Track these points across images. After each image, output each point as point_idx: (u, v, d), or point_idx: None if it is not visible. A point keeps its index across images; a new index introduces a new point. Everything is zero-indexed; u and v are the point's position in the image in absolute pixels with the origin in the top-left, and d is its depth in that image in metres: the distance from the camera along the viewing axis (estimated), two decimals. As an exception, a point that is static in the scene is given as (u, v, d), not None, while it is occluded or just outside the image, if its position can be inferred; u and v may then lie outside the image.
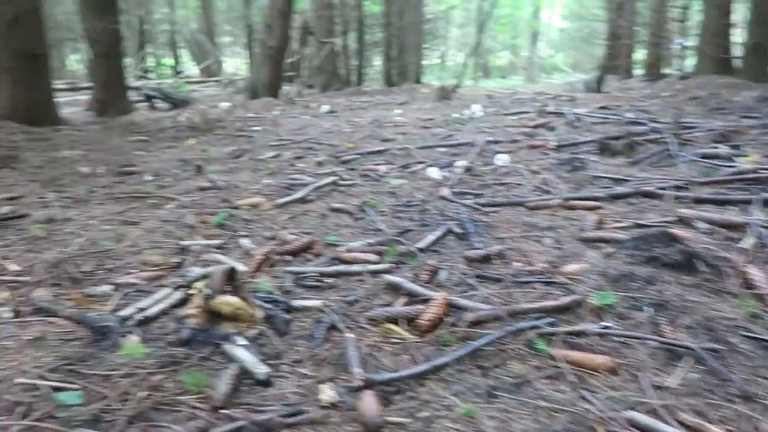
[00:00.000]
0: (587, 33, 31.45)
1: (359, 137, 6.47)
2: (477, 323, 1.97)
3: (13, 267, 2.45)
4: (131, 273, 2.50)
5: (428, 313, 2.01)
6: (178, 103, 11.47)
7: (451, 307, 2.09)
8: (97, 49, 8.06)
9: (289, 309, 2.12)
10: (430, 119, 8.02)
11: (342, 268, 2.53)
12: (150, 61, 28.71)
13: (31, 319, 2.00)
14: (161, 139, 6.78)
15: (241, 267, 2.58)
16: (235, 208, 3.57)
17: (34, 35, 6.27)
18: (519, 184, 3.96)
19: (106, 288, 2.29)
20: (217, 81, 22.35)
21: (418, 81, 22.24)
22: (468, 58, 22.13)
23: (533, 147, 5.28)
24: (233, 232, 3.09)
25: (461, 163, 4.37)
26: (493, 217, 3.26)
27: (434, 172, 4.12)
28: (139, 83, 12.43)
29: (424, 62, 26.20)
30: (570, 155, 4.72)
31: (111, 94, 8.33)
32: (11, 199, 3.88)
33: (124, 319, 1.98)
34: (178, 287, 2.28)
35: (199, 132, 7.27)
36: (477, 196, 3.74)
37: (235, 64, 32.43)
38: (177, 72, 28.58)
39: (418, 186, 4.01)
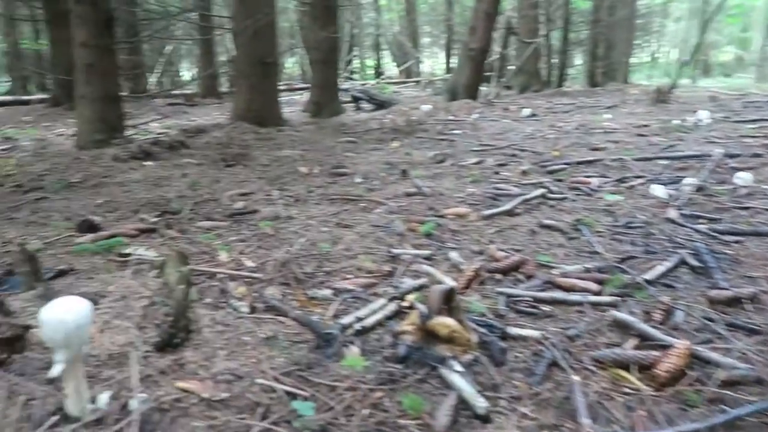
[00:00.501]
0: None
1: (565, 144, 6.12)
2: (731, 384, 1.68)
3: (249, 263, 2.69)
4: (347, 278, 2.60)
5: (667, 363, 1.75)
6: (381, 104, 12.04)
7: (694, 359, 1.81)
8: (315, 56, 8.75)
9: (505, 336, 2.02)
10: (646, 126, 7.31)
11: (558, 295, 2.36)
12: (355, 63, 30.69)
13: (264, 317, 2.16)
14: (367, 140, 7.12)
15: (451, 283, 2.54)
16: (441, 216, 3.56)
17: (268, 45, 6.99)
18: (765, 210, 3.37)
19: (326, 292, 2.40)
20: (416, 82, 23.10)
21: (625, 81, 20.64)
22: (688, 55, 19.87)
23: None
24: (441, 243, 3.07)
25: (690, 180, 3.87)
26: (736, 249, 2.80)
27: (659, 190, 3.70)
28: (346, 85, 13.28)
29: (632, 61, 24.23)
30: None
31: (325, 97, 8.99)
32: (244, 194, 4.33)
33: (345, 327, 2.04)
34: (392, 298, 2.31)
35: (402, 134, 7.50)
36: (713, 221, 3.26)
37: (432, 64, 33.23)
38: (379, 73, 30.18)
39: (638, 204, 3.63)
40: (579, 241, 3.04)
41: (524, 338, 2.00)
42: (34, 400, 1.50)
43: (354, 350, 1.89)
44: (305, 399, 1.60)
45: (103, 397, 1.51)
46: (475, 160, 5.36)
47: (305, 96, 16.86)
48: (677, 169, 4.58)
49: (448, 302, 1.97)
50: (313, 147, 6.50)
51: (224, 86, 17.90)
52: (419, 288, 2.48)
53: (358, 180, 4.77)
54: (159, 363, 1.71)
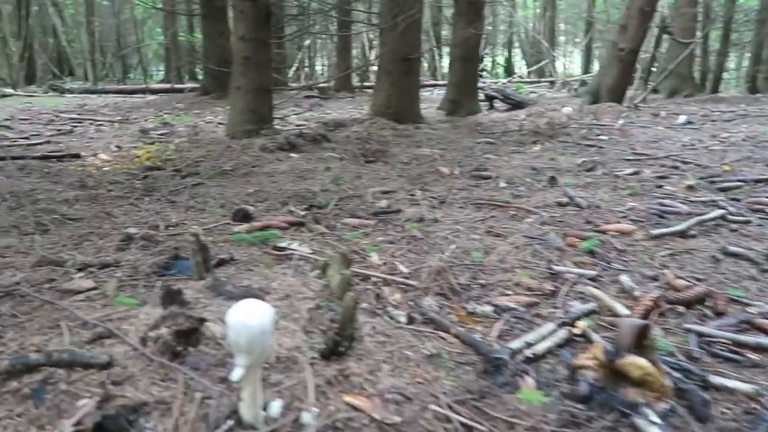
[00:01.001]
0: None
1: (735, 158, 5.45)
2: None
3: (403, 268, 2.59)
4: (506, 294, 2.41)
5: None
6: (517, 104, 11.64)
7: None
8: (456, 53, 8.58)
9: (706, 385, 1.73)
10: (836, 141, 6.37)
11: (765, 340, 2.01)
12: (486, 61, 30.17)
13: (423, 330, 2.03)
14: (506, 142, 6.84)
15: (623, 310, 2.27)
16: (602, 232, 3.25)
17: (412, 42, 6.93)
18: None
19: (487, 308, 2.23)
20: (550, 82, 22.20)
21: (792, 88, 18.43)
22: None
23: None
24: (606, 264, 2.78)
25: None
26: None
27: None
28: (480, 84, 12.98)
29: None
30: None
31: (463, 95, 8.81)
32: (386, 192, 4.27)
33: (514, 352, 1.86)
34: (561, 324, 2.09)
35: (543, 138, 7.13)
36: None
37: (566, 64, 31.78)
38: (509, 72, 29.43)
39: None
40: (776, 276, 2.62)
41: (731, 390, 1.70)
42: (210, 399, 1.48)
43: (529, 382, 1.70)
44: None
45: (276, 406, 1.45)
46: (630, 170, 4.92)
47: (435, 93, 16.78)
48: None
49: (641, 340, 1.72)
50: (452, 146, 6.35)
51: (357, 81, 18.29)
52: (589, 314, 2.24)
53: (503, 185, 4.55)
54: (325, 372, 1.63)
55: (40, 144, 6.70)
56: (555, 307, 2.33)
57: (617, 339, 1.73)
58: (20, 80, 20.80)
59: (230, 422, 1.38)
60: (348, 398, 1.55)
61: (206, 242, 2.07)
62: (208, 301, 1.91)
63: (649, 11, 10.60)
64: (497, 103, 12.05)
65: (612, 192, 4.23)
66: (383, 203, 3.91)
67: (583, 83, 18.87)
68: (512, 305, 2.27)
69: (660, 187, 4.37)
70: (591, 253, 2.91)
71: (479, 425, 1.48)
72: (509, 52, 34.39)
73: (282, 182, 4.45)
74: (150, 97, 16.01)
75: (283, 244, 2.80)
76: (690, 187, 4.31)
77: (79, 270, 2.47)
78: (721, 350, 1.96)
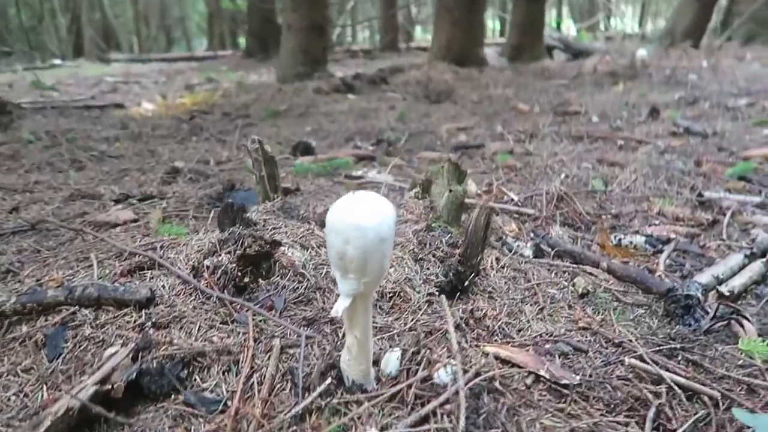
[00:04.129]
0: None
1: None
2: None
3: (514, 196, 2.06)
4: (654, 224, 1.85)
5: None
6: (579, 53, 10.76)
7: None
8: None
9: None
10: None
11: None
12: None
13: (559, 264, 1.51)
14: (582, 84, 6.12)
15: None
16: (744, 159, 2.63)
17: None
18: None
19: (638, 239, 1.68)
20: (607, 38, 20.84)
21: None
22: None
23: None
24: (764, 187, 2.18)
25: None
26: None
27: None
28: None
29: None
30: None
31: (527, 39, 8.07)
32: (461, 128, 3.72)
33: (706, 289, 1.32)
34: (749, 255, 1.53)
35: (624, 78, 6.38)
36: None
37: (619, 21, 29.98)
38: (559, 27, 27.97)
39: None
40: None
41: None
42: (294, 348, 1.00)
43: (749, 328, 1.16)
44: (738, 404, 0.91)
45: (393, 359, 0.96)
46: (744, 101, 4.20)
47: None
48: None
49: None
50: (523, 88, 5.70)
51: (402, 43, 17.52)
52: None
53: (595, 119, 3.92)
54: (452, 313, 1.13)
55: (84, 99, 6.39)
56: (722, 239, 1.76)
57: None
58: (69, 52, 20.90)
59: (327, 381, 0.90)
60: (490, 348, 1.05)
61: (272, 155, 1.59)
62: (280, 222, 1.43)
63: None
64: (557, 54, 11.19)
65: (732, 122, 3.56)
66: (461, 138, 3.37)
67: (644, 37, 17.59)
68: (669, 235, 1.72)
69: (790, 115, 3.66)
70: (743, 178, 2.30)
71: (709, 388, 0.95)
72: (559, 9, 32.68)
73: (342, 121, 3.95)
74: (194, 64, 15.75)
75: (358, 173, 2.30)
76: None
77: (117, 202, 2.04)
78: None
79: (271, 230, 1.35)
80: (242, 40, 19.69)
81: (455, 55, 6.35)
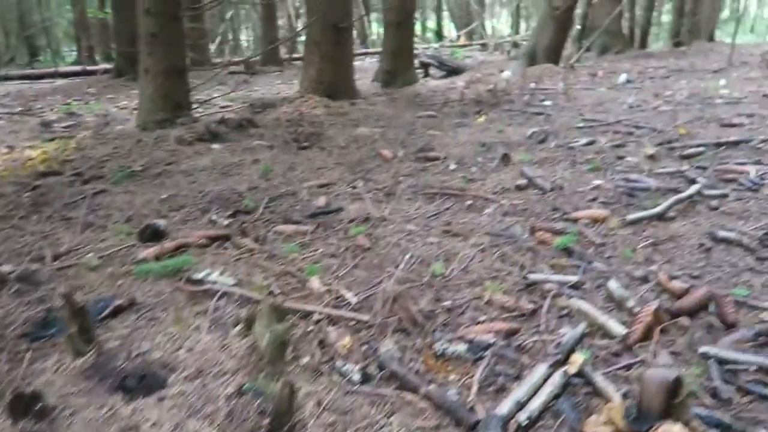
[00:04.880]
0: None
1: (686, 119, 5.21)
2: None
3: (349, 295, 2.10)
4: (479, 322, 1.97)
5: None
6: (453, 70, 11.22)
7: None
8: (390, 18, 7.99)
9: (752, 446, 1.35)
10: (775, 94, 6.27)
11: (797, 362, 1.66)
12: (416, 26, 29.54)
13: (384, 393, 1.57)
14: (449, 114, 6.39)
15: (619, 329, 1.88)
16: (573, 221, 2.87)
17: (342, 8, 6.31)
18: None
19: (459, 347, 1.78)
20: (482, 44, 21.86)
21: (711, 39, 18.87)
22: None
23: None
24: (586, 263, 2.39)
25: None
26: None
27: None
28: (414, 51, 12.45)
29: (718, 17, 22.11)
30: None
31: (399, 64, 8.27)
32: (323, 185, 3.75)
33: (506, 419, 1.43)
34: (554, 363, 1.67)
35: (487, 106, 6.73)
36: None
37: (494, 24, 31.58)
38: (440, 36, 28.96)
39: (832, 207, 2.81)
40: (775, 265, 2.30)
41: (784, 452, 1.33)
42: None
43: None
44: None
45: None
46: (584, 140, 4.57)
47: (366, 62, 16.11)
48: None
49: (672, 398, 1.32)
50: (392, 123, 5.84)
51: (285, 53, 17.34)
52: (582, 338, 1.84)
53: (453, 166, 4.10)
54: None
55: None
56: (539, 332, 1.91)
57: (642, 399, 1.32)
58: None
59: None
60: None
61: (83, 304, 1.51)
62: (82, 400, 1.36)
63: (582, -33, 10.29)
64: (433, 71, 11.58)
65: (572, 168, 3.86)
66: (321, 201, 3.39)
67: (515, 44, 18.66)
68: (489, 338, 1.84)
69: (621, 158, 4.03)
70: (567, 250, 2.51)
71: None
72: (438, 15, 33.84)
73: (202, 181, 3.85)
74: (59, 82, 14.61)
75: (200, 275, 2.25)
76: (651, 156, 4.00)
77: None
78: (751, 383, 1.59)
79: (67, 416, 1.29)
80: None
81: (326, 87, 6.38)
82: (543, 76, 9.48)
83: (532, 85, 8.64)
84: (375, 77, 8.64)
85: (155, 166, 4.20)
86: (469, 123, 5.85)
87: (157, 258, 2.49)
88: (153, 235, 2.77)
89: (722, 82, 7.25)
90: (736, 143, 4.15)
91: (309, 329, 1.89)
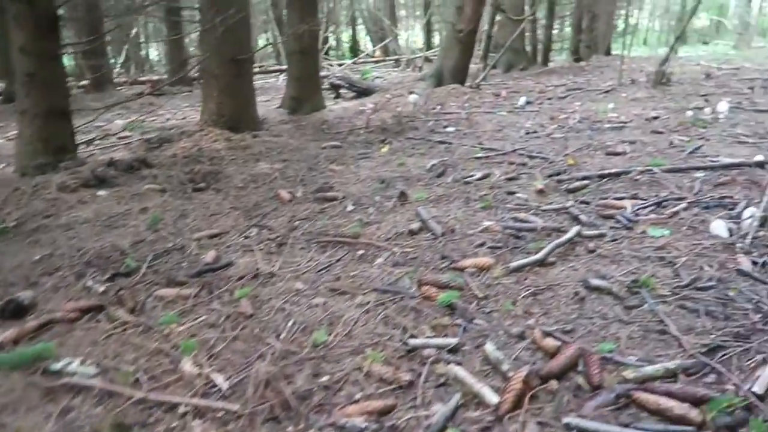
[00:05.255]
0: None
1: (576, 147, 5.47)
2: None
3: (221, 381, 2.01)
4: (355, 401, 1.94)
5: None
6: (363, 91, 11.29)
7: None
8: (293, 46, 7.92)
9: None
10: (656, 118, 6.71)
11: (650, 426, 1.73)
12: (331, 40, 29.64)
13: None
14: (354, 144, 6.39)
15: (493, 397, 1.91)
16: (460, 270, 2.91)
17: (240, 40, 6.18)
18: None
19: (330, 436, 1.74)
20: (395, 60, 22.17)
21: (607, 53, 20.13)
22: (673, 25, 19.39)
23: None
24: (467, 321, 2.42)
25: (750, 210, 3.25)
26: None
27: (719, 227, 3.08)
28: (325, 72, 12.44)
29: (614, 32, 23.64)
30: None
31: (305, 91, 8.20)
32: (214, 236, 3.62)
33: None
34: (422, 448, 1.66)
35: (391, 134, 6.79)
36: (796, 272, 2.66)
37: (409, 38, 32.17)
38: (355, 51, 29.17)
39: (695, 246, 3.00)
40: (641, 313, 2.41)
41: None
42: None
43: None
44: None
45: None
46: (480, 174, 4.68)
47: (281, 80, 15.93)
48: (719, 185, 3.97)
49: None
50: (295, 156, 5.77)
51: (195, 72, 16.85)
52: (454, 413, 1.85)
53: (350, 207, 4.08)
54: None
55: None
56: (415, 407, 1.90)
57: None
58: None
59: None
60: None
61: None
62: None
63: (482, -8, 10.66)
64: (344, 91, 11.61)
65: (465, 207, 3.94)
66: (210, 255, 3.27)
67: (427, 59, 19.05)
68: (361, 423, 1.80)
69: (512, 194, 4.16)
70: (450, 307, 2.53)
71: None
72: (353, 30, 34.08)
73: (83, 236, 3.62)
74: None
75: (59, 365, 2.09)
76: (540, 191, 4.15)
77: None
78: (607, 455, 1.65)
79: None
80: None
81: (227, 120, 6.22)
82: (449, 98, 9.71)
83: (438, 107, 8.83)
84: (282, 103, 8.53)
85: (32, 220, 3.91)
86: (372, 154, 5.88)
87: (16, 342, 2.30)
88: (15, 311, 2.56)
89: (611, 105, 7.68)
90: (617, 174, 4.38)
91: (173, 425, 1.79)
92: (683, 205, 3.61)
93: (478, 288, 2.69)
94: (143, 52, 24.63)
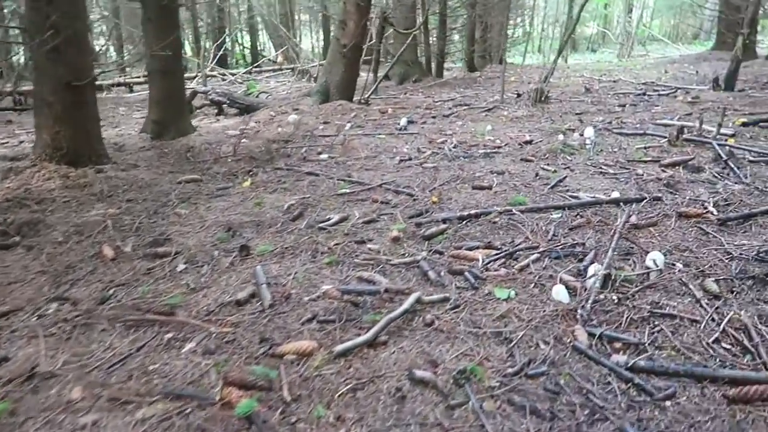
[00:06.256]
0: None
1: (445, 179, 5.26)
2: None
3: None
4: None
5: None
6: (246, 108, 10.74)
7: None
8: (153, 65, 7.26)
9: None
10: (530, 142, 6.67)
11: None
12: (229, 45, 28.59)
13: None
14: (215, 177, 5.87)
15: None
16: (279, 357, 2.52)
17: (78, 63, 5.47)
18: (694, 322, 2.65)
19: None
20: (291, 69, 21.58)
21: (501, 62, 20.64)
22: (563, 33, 20.18)
23: (685, 217, 3.89)
24: (264, 439, 2.03)
25: (594, 267, 3.09)
26: (672, 414, 2.02)
27: (560, 292, 2.88)
28: (205, 88, 11.74)
29: (508, 41, 24.35)
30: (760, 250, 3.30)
31: (168, 114, 7.54)
32: (4, 315, 3.03)
33: None
34: None
35: (260, 163, 6.33)
36: (631, 347, 2.48)
37: (313, 42, 31.64)
38: (255, 57, 28.28)
39: (535, 312, 2.78)
40: (465, 413, 2.13)
41: None
42: None
43: None
44: None
45: None
46: (338, 216, 4.33)
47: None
48: (574, 229, 3.84)
49: None
50: (142, 195, 5.17)
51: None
52: None
53: (181, 267, 3.60)
54: None
55: None
56: None
57: None
58: None
59: None
60: None
61: None
62: None
63: (365, 6, 10.41)
64: (228, 107, 10.97)
65: (310, 263, 3.56)
66: (-17, 349, 2.68)
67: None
68: None
69: (364, 242, 3.83)
70: (249, 419, 2.13)
71: None
72: (252, 36, 33.06)
73: None
74: None
75: None
76: (395, 239, 3.86)
77: None
78: None
79: None
80: None
81: (66, 153, 5.50)
82: (335, 116, 9.37)
83: (321, 127, 8.47)
84: (143, 128, 7.82)
85: None
86: (232, 190, 5.39)
87: None
88: None
89: (489, 127, 7.61)
90: (477, 216, 4.17)
91: None
92: (535, 255, 3.43)
93: (289, 386, 2.31)
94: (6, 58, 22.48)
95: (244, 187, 5.46)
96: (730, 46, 19.02)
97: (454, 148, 6.60)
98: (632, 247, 3.44)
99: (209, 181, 5.75)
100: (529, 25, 32.03)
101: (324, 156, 6.53)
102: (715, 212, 3.84)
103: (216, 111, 10.96)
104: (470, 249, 3.61)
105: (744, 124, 6.58)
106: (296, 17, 30.62)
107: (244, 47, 31.43)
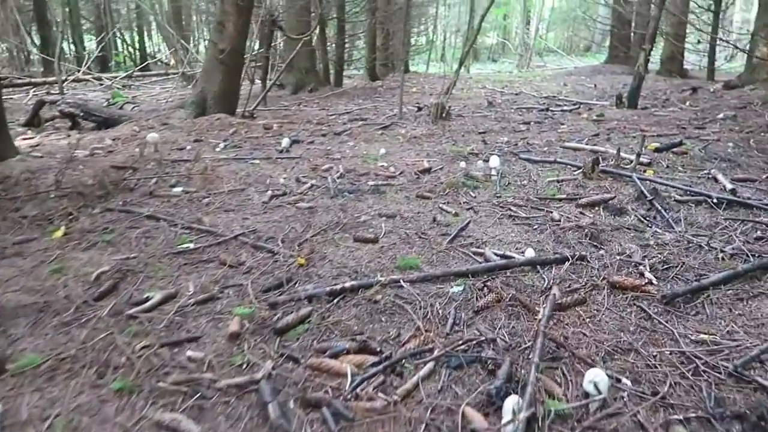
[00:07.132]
0: (582, 12, 29.56)
1: (322, 225, 4.15)
2: None
3: None
4: None
5: None
6: (104, 121, 9.13)
7: None
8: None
9: None
10: (428, 170, 5.72)
11: None
12: (120, 46, 26.16)
13: None
14: (18, 223, 4.40)
15: None
16: None
17: None
18: None
19: None
20: (179, 73, 19.71)
21: (406, 70, 19.94)
22: (464, 42, 19.72)
23: (619, 289, 3.01)
24: None
25: (512, 402, 2.06)
26: None
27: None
28: (54, 98, 9.96)
29: (410, 49, 23.79)
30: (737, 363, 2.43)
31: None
32: None
33: None
34: None
35: (90, 199, 4.92)
36: None
37: (204, 45, 29.62)
38: (144, 58, 25.97)
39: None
40: None
41: None
42: None
43: None
44: None
45: None
46: (161, 295, 3.09)
47: (30, 96, 12.76)
48: (479, 312, 2.84)
49: None
50: None
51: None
52: None
53: None
54: None
55: None
56: None
57: None
58: None
59: None
60: None
61: None
62: None
63: (246, 6, 9.13)
64: (83, 120, 9.28)
65: (91, 390, 2.31)
66: None
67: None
68: None
69: (182, 346, 2.62)
70: None
71: None
72: (140, 35, 30.44)
73: None
74: None
75: None
76: (234, 336, 2.68)
77: None
78: None
79: None
80: None
81: None
82: (211, 133, 8.04)
83: (190, 147, 7.11)
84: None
85: None
86: (36, 244, 3.98)
87: None
88: None
89: (382, 151, 6.59)
90: (354, 290, 3.08)
91: None
92: (428, 366, 2.38)
93: None
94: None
95: (53, 239, 4.06)
96: (622, 60, 19.49)
97: (339, 177, 5.51)
98: (560, 349, 2.48)
99: (8, 230, 4.28)
100: (432, 33, 31.79)
101: (178, 189, 5.21)
102: (655, 282, 2.99)
103: (70, 125, 9.25)
104: (336, 355, 2.50)
105: (657, 150, 5.99)
106: (193, 17, 28.57)
107: (128, 47, 28.80)
